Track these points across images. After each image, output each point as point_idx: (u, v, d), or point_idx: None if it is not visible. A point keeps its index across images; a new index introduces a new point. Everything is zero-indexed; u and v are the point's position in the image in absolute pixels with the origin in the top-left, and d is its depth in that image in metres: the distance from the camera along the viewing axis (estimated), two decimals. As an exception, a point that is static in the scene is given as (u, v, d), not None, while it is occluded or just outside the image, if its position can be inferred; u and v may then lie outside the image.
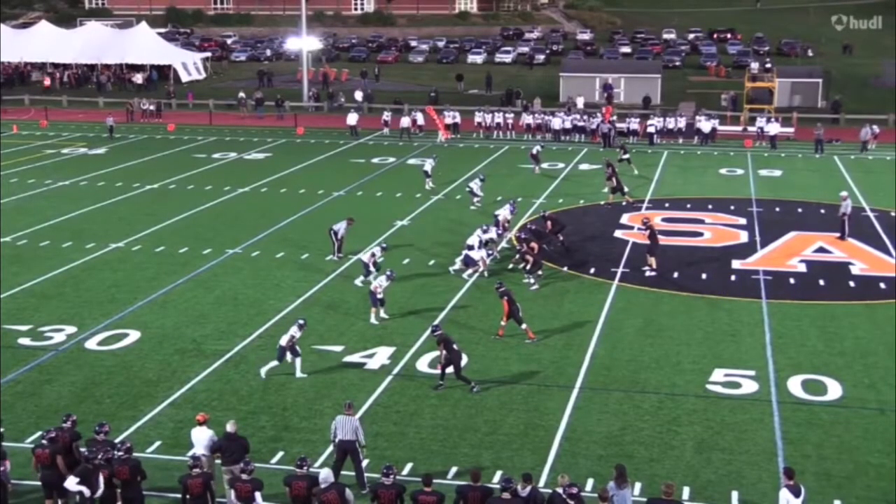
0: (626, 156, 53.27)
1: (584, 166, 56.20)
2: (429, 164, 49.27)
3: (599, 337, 29.10)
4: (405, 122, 66.10)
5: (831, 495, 20.07)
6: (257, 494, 17.88)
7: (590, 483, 20.36)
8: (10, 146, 62.01)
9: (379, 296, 30.06)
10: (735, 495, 20.22)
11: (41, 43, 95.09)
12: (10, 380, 25.97)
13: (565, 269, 35.62)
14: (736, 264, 36.22)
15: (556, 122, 65.49)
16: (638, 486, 20.25)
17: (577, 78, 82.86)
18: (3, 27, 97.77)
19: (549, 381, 26.09)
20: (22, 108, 77.20)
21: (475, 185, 45.23)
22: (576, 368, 26.82)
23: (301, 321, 26.36)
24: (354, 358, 27.55)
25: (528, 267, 33.88)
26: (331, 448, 21.31)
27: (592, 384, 25.89)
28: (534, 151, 54.11)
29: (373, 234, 39.57)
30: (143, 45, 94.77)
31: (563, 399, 24.94)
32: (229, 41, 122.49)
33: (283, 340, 25.78)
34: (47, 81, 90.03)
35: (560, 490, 17.37)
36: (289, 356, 25.88)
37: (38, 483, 19.37)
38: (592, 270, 35.38)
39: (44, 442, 19.00)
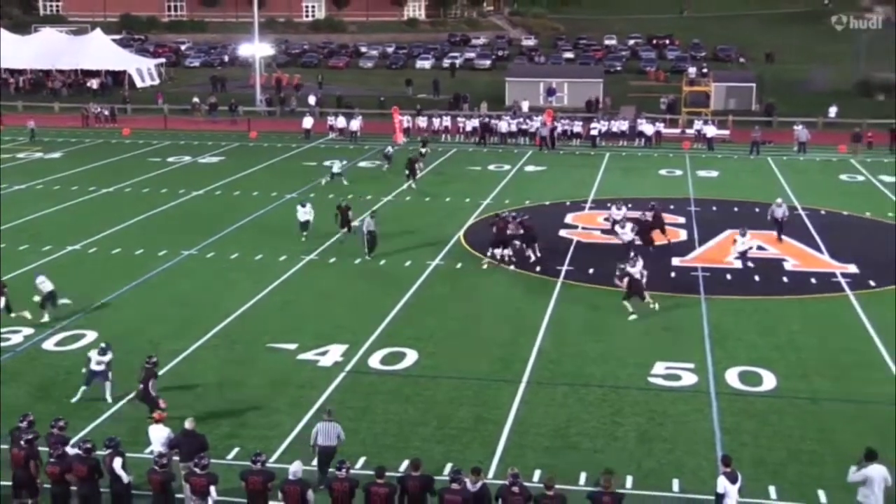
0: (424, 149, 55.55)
1: (529, 168, 56.46)
2: (337, 166, 51.00)
3: (545, 332, 29.25)
4: (354, 125, 66.07)
5: (766, 481, 20.34)
6: (212, 488, 17.81)
7: (536, 474, 20.44)
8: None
9: None
10: (676, 483, 20.42)
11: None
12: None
13: (511, 267, 35.74)
14: (675, 261, 36.57)
15: (503, 126, 65.71)
16: (583, 475, 20.43)
17: (522, 82, 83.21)
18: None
19: (498, 376, 26.22)
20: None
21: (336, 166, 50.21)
22: (523, 363, 26.96)
23: (103, 345, 24.96)
24: (308, 356, 27.49)
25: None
26: (286, 444, 21.28)
27: (539, 378, 26.05)
28: (387, 151, 55.49)
29: (324, 235, 39.50)
30: (97, 52, 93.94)
31: (511, 393, 25.06)
32: (183, 47, 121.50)
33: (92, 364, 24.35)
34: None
35: (507, 482, 17.48)
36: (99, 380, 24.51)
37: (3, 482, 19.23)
38: (538, 269, 35.53)
39: (22, 443, 18.84)
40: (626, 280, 30.50)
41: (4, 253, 37.80)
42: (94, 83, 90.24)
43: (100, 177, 53.28)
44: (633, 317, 29.96)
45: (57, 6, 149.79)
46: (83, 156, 60.39)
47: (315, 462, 19.94)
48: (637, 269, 30.63)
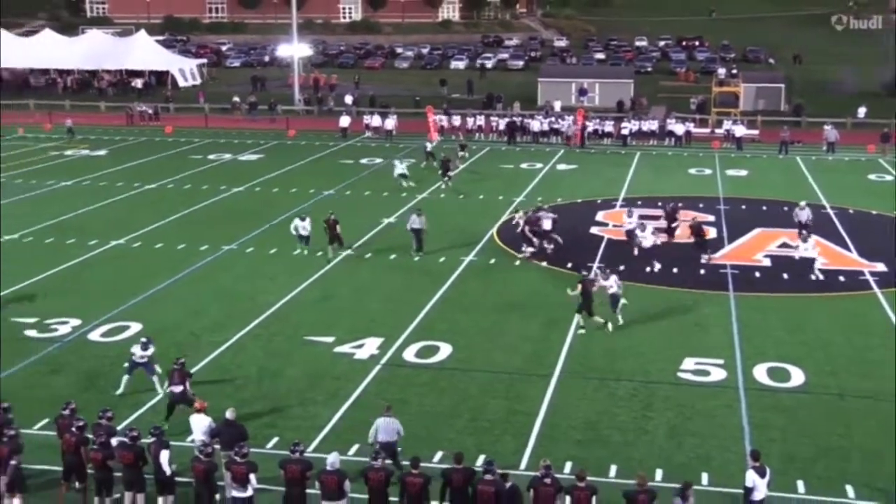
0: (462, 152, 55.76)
1: (560, 166, 56.27)
2: (403, 167, 49.85)
3: (576, 328, 29.15)
4: (389, 123, 66.20)
5: (795, 476, 20.16)
6: (252, 476, 17.90)
7: (568, 466, 20.38)
8: (16, 148, 61.75)
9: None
10: (705, 477, 20.30)
11: (44, 50, 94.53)
12: (17, 369, 25.96)
13: (544, 263, 35.65)
14: (704, 259, 36.32)
15: (535, 125, 65.53)
16: (613, 468, 20.35)
17: (554, 83, 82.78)
18: (6, 34, 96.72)
19: (530, 371, 26.15)
20: (27, 112, 76.75)
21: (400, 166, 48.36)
22: (554, 358, 26.90)
23: (144, 339, 24.81)
24: (344, 349, 27.54)
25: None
26: (323, 434, 21.39)
27: (570, 373, 25.97)
28: (427, 148, 55.79)
29: (361, 231, 39.59)
30: (142, 52, 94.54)
31: (543, 387, 25.00)
32: (224, 48, 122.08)
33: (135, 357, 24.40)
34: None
35: (539, 473, 17.45)
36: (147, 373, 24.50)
37: (50, 467, 19.59)
38: (569, 265, 35.40)
39: (73, 430, 19.11)
40: (578, 288, 28.61)
41: (52, 247, 38.19)
42: (138, 83, 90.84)
43: (143, 173, 53.64)
44: (581, 331, 28.78)
45: (103, 8, 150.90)
46: (127, 153, 60.81)
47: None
48: (611, 281, 29.16)
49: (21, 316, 30.08)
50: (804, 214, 38.72)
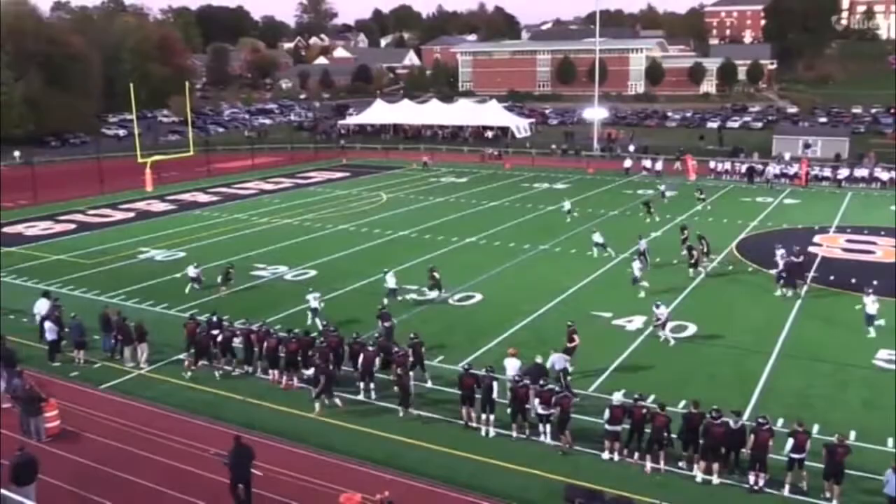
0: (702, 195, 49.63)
1: (787, 201, 52.24)
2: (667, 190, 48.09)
3: (793, 320, 27.08)
4: (657, 166, 64.21)
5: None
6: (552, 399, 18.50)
7: (780, 421, 19.01)
8: (410, 174, 65.41)
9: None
10: (890, 441, 18.33)
11: (431, 112, 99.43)
12: (402, 320, 27.01)
13: (772, 271, 33.28)
14: (901, 275, 32.58)
15: (770, 170, 61.21)
16: (816, 426, 18.77)
17: (785, 139, 76.85)
18: (408, 102, 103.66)
19: (754, 348, 24.61)
20: (418, 152, 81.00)
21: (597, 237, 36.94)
22: (773, 340, 25.16)
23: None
24: (619, 322, 27.11)
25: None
26: (601, 379, 21.17)
27: (786, 353, 24.20)
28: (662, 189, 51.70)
29: (632, 243, 38.70)
30: (492, 113, 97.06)
31: (764, 361, 23.48)
32: (546, 111, 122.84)
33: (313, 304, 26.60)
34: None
35: (756, 422, 16.51)
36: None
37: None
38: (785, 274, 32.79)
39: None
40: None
41: (430, 241, 40.01)
42: (489, 134, 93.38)
43: (488, 195, 55.03)
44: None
45: (470, 84, 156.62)
46: (479, 181, 62.60)
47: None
48: (661, 311, 25.46)
49: (408, 283, 31.25)
50: None
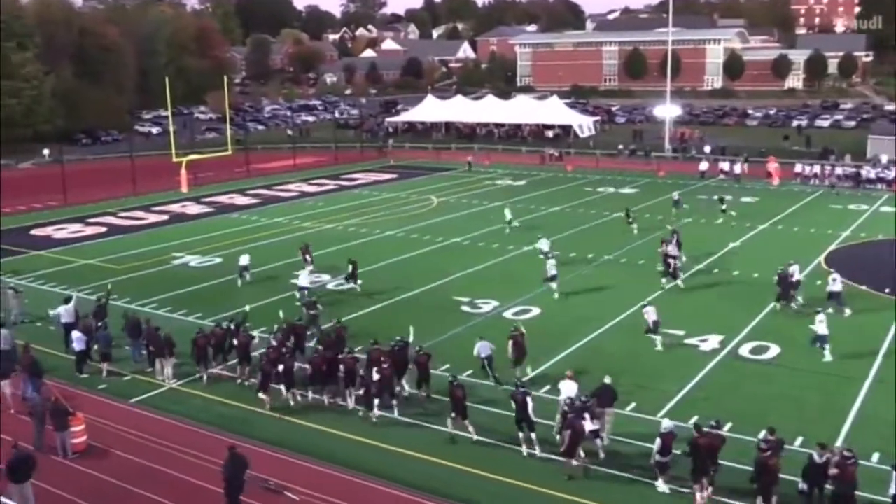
0: (724, 206, 47.95)
1: (884, 208, 50.83)
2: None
3: (891, 341, 26.25)
4: (737, 168, 63.02)
5: None
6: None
7: (875, 457, 18.43)
8: (463, 177, 65.54)
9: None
10: None
11: (487, 109, 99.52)
12: (454, 334, 27.52)
13: (863, 286, 32.37)
14: None
15: (865, 174, 59.68)
16: (916, 463, 18.15)
17: (882, 140, 74.83)
18: (462, 98, 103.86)
19: (845, 373, 23.93)
20: (472, 152, 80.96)
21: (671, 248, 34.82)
22: (868, 364, 24.44)
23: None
24: (692, 341, 26.68)
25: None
26: (671, 404, 20.82)
27: (881, 378, 23.48)
28: (675, 197, 49.93)
29: (710, 253, 38.10)
30: (553, 111, 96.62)
31: (857, 388, 22.82)
32: (613, 108, 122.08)
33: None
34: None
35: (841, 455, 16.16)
36: None
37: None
38: (886, 290, 31.91)
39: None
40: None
41: (484, 249, 39.90)
42: (549, 133, 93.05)
43: (549, 199, 54.74)
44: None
45: (529, 79, 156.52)
46: (539, 184, 62.33)
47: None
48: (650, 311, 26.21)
49: (461, 295, 31.76)
50: None
